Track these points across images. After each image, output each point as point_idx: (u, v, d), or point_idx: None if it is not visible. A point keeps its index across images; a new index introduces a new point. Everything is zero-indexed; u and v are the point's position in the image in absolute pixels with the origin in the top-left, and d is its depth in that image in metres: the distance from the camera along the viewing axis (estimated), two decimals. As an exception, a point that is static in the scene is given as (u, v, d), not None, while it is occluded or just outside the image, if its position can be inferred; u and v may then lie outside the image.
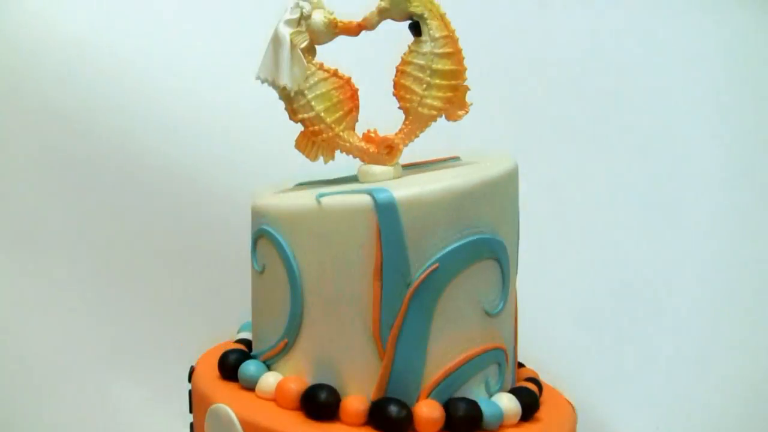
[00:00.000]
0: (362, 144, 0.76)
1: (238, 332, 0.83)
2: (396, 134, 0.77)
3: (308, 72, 0.75)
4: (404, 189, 0.69)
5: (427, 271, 0.69)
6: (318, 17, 0.77)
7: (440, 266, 0.69)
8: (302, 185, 0.80)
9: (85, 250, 1.13)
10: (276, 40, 0.76)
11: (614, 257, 1.15)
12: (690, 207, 1.16)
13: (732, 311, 1.14)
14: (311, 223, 0.71)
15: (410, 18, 0.75)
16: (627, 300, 1.14)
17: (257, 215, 0.76)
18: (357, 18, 0.76)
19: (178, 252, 1.14)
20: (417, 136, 0.78)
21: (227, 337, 0.84)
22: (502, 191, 0.73)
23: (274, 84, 0.77)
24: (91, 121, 1.12)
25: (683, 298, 1.14)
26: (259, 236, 0.75)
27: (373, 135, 0.78)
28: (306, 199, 0.71)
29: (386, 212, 0.68)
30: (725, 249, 1.16)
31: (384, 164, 0.77)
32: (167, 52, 1.16)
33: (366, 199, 0.69)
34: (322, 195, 0.70)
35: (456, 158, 0.82)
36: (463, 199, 0.70)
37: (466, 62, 0.76)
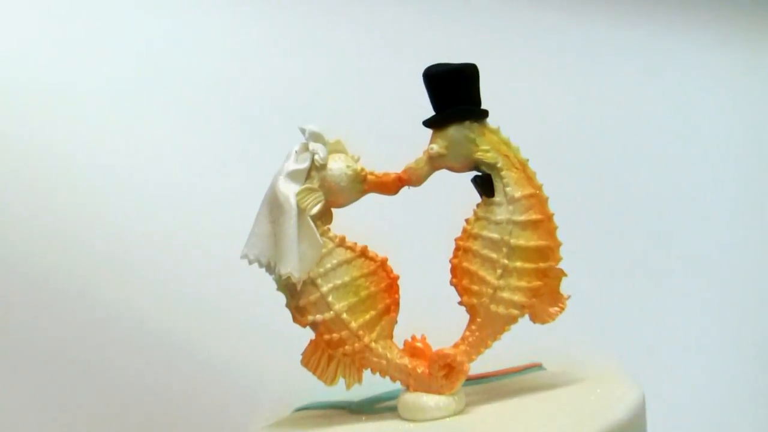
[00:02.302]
0: (405, 361, 0.58)
1: None
2: (458, 345, 0.58)
3: (324, 251, 0.57)
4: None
5: None
6: (338, 167, 0.58)
7: None
8: (305, 412, 0.65)
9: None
10: (274, 203, 0.57)
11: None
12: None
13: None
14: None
15: (476, 168, 0.58)
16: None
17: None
18: (395, 167, 0.59)
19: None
20: (488, 347, 0.58)
21: None
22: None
23: (269, 269, 0.57)
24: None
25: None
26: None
27: (420, 345, 0.59)
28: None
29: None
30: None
31: (439, 392, 0.57)
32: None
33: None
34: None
35: (539, 367, 0.67)
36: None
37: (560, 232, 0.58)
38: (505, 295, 0.57)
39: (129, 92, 0.94)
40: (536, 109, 0.99)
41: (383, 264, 0.58)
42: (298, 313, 0.57)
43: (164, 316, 0.90)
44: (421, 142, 0.59)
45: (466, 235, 0.58)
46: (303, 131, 0.58)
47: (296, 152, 0.57)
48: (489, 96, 0.58)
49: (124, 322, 0.90)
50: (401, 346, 0.59)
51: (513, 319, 0.58)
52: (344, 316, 0.57)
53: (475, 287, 0.57)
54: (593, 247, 0.94)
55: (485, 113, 0.58)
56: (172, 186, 0.94)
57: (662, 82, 1.09)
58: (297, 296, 0.57)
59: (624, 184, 1.04)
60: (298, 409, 0.66)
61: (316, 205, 0.57)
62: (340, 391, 0.59)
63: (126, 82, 0.95)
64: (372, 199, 0.60)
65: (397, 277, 0.58)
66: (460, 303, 0.59)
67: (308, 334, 0.59)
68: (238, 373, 0.88)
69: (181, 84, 0.96)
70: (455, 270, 0.58)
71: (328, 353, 0.58)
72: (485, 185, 0.58)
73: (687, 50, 1.10)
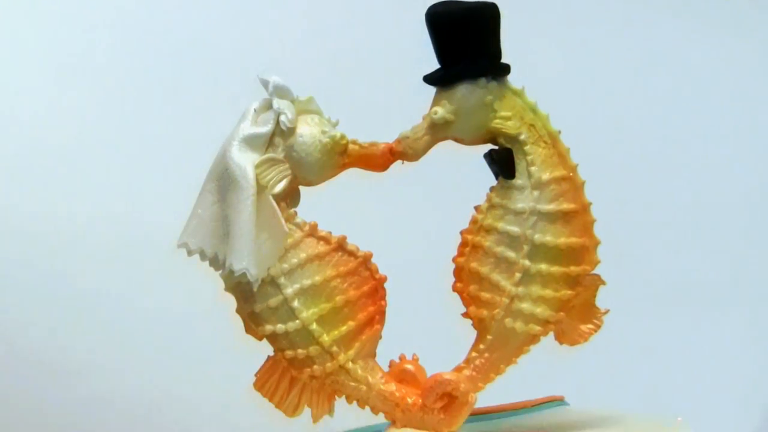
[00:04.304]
0: (391, 388, 0.50)
1: None
2: (460, 369, 0.51)
3: (289, 241, 0.48)
4: None
5: None
6: (309, 134, 0.48)
7: None
8: None
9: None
10: (224, 177, 0.48)
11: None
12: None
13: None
14: None
15: (493, 141, 0.50)
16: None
17: None
18: (386, 136, 0.50)
19: None
20: (501, 374, 0.50)
21: None
22: None
23: (215, 263, 0.48)
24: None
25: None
26: None
27: (411, 368, 0.51)
28: None
29: None
30: None
31: (435, 430, 0.49)
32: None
33: None
34: None
35: (560, 401, 0.59)
36: None
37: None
38: (525, 306, 0.50)
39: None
40: (573, 65, 0.92)
41: (366, 261, 0.50)
42: (253, 321, 0.50)
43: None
44: (422, 104, 0.50)
45: (476, 227, 0.50)
46: (264, 83, 0.48)
47: (255, 111, 0.49)
48: (512, 47, 0.49)
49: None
50: (386, 369, 0.52)
51: (533, 339, 0.51)
52: (313, 327, 0.49)
53: (485, 295, 0.50)
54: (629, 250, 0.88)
55: (507, 69, 0.49)
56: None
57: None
58: (252, 300, 0.50)
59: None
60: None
61: (280, 181, 0.49)
62: (302, 426, 0.52)
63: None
64: (353, 176, 0.52)
65: (384, 279, 0.51)
66: (465, 315, 0.52)
67: (265, 350, 0.51)
68: (162, 406, 0.80)
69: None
70: (460, 272, 0.51)
71: (290, 375, 0.51)
72: (503, 163, 0.50)
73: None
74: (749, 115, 1.07)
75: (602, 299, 0.50)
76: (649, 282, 0.94)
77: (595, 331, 0.50)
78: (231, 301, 0.51)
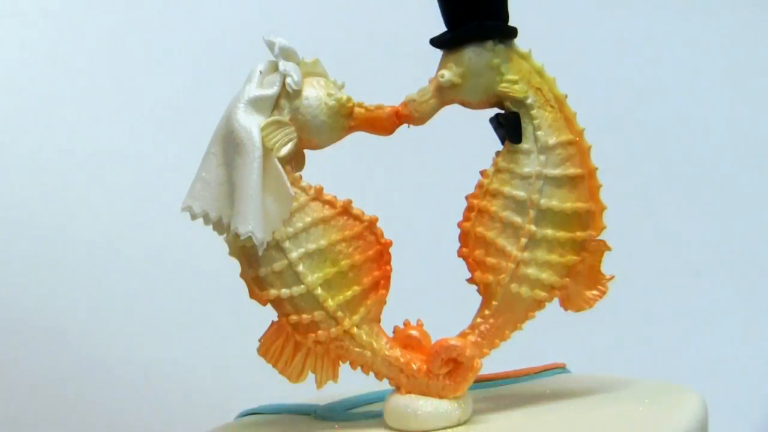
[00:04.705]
0: (396, 353, 0.49)
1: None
2: (466, 335, 0.49)
3: (294, 205, 0.47)
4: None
5: None
6: (316, 96, 0.48)
7: None
8: (253, 419, 0.56)
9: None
10: (230, 139, 0.46)
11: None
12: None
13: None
14: None
15: (499, 105, 0.49)
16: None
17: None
18: (392, 99, 0.49)
19: None
20: (506, 339, 0.49)
21: None
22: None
23: (219, 226, 0.47)
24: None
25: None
26: None
27: (416, 333, 0.50)
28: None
29: None
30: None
31: (440, 396, 0.48)
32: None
33: None
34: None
35: (562, 368, 0.59)
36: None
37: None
38: (531, 271, 0.48)
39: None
40: (582, 28, 0.90)
41: (371, 225, 0.49)
42: (257, 285, 0.49)
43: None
44: (428, 67, 0.49)
45: (482, 191, 0.49)
46: (270, 45, 0.47)
47: (261, 73, 0.47)
48: (519, 10, 0.48)
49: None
50: (391, 334, 0.51)
51: (539, 304, 0.49)
52: (318, 291, 0.48)
53: (491, 260, 0.49)
54: (638, 217, 0.86)
55: (514, 32, 0.48)
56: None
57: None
58: (257, 264, 0.48)
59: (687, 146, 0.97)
60: (244, 414, 0.57)
61: (286, 144, 0.47)
62: (305, 391, 0.52)
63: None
64: (359, 139, 0.50)
65: (389, 244, 0.50)
66: (471, 280, 0.50)
67: (269, 315, 0.50)
68: (167, 369, 0.79)
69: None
70: (466, 237, 0.50)
71: (294, 340, 0.49)
72: (510, 127, 0.48)
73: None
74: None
75: (607, 265, 0.49)
76: (656, 249, 0.92)
77: (600, 297, 0.49)
78: (235, 266, 0.49)
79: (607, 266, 0.49)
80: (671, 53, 0.99)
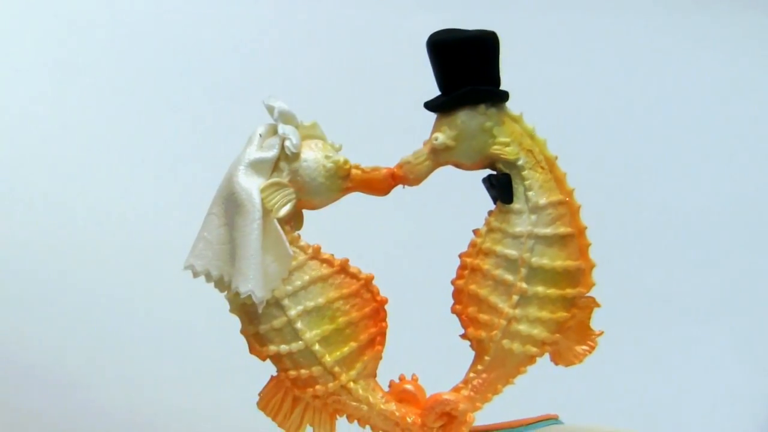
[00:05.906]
0: (391, 407, 0.50)
1: None
2: (459, 389, 0.51)
3: (293, 264, 0.48)
4: None
5: None
6: (314, 158, 0.49)
7: None
8: None
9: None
10: (231, 201, 0.48)
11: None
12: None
13: None
14: None
15: (492, 166, 0.50)
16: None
17: None
18: (387, 161, 0.50)
19: None
20: (498, 393, 0.50)
21: None
22: None
23: (221, 285, 0.48)
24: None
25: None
26: None
27: (411, 388, 0.51)
28: None
29: None
30: None
31: None
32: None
33: None
34: None
35: (555, 420, 0.58)
36: None
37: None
38: (522, 328, 0.49)
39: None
40: (570, 92, 0.92)
41: (368, 283, 0.50)
42: (258, 342, 0.50)
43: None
44: (423, 130, 0.50)
45: (475, 250, 0.50)
46: (270, 110, 0.48)
47: (260, 136, 0.49)
48: (511, 75, 0.49)
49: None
50: (387, 388, 0.52)
51: (530, 359, 0.50)
52: (316, 348, 0.49)
53: (484, 317, 0.50)
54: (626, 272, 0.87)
55: (505, 96, 0.49)
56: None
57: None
58: (257, 321, 0.49)
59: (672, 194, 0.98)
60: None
61: (285, 205, 0.49)
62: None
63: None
64: (355, 200, 0.52)
65: (385, 301, 0.51)
66: (464, 336, 0.51)
67: (268, 370, 0.51)
68: (167, 420, 0.79)
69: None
70: (459, 294, 0.51)
71: (293, 394, 0.50)
72: (502, 188, 0.50)
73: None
74: (743, 131, 1.05)
75: (596, 321, 0.50)
76: (643, 302, 0.93)
77: (590, 352, 0.50)
78: (235, 323, 0.50)
79: (596, 320, 0.50)
80: (659, 113, 1.00)
